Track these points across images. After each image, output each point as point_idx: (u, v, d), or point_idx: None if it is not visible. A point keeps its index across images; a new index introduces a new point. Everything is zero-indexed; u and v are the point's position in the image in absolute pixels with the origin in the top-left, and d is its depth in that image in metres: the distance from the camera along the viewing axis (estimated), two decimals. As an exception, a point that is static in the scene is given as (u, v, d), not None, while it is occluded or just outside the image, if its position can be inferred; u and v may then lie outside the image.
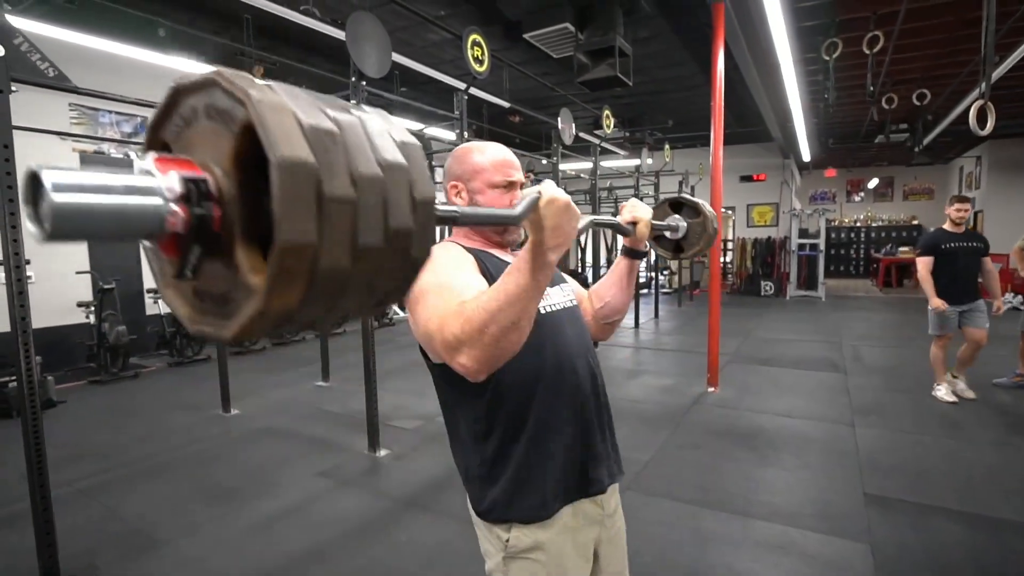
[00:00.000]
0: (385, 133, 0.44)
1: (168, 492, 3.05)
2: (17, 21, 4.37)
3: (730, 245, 13.38)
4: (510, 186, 1.13)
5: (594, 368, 1.19)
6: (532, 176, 6.17)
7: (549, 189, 0.82)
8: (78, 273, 5.78)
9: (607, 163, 12.17)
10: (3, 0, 1.89)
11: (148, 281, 6.69)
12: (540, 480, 1.07)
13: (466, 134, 4.33)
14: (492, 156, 1.13)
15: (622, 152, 11.22)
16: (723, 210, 13.51)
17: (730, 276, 13.32)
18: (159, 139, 0.45)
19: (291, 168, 0.36)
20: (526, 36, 5.88)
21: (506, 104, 7.04)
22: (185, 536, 2.59)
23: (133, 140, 6.52)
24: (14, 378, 4.64)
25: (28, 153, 5.60)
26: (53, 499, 3.00)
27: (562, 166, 10.57)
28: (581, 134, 9.30)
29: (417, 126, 5.47)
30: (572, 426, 1.10)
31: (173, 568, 2.35)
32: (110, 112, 6.44)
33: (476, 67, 4.13)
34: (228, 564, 2.39)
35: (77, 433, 4.10)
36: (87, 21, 5.02)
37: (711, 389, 4.83)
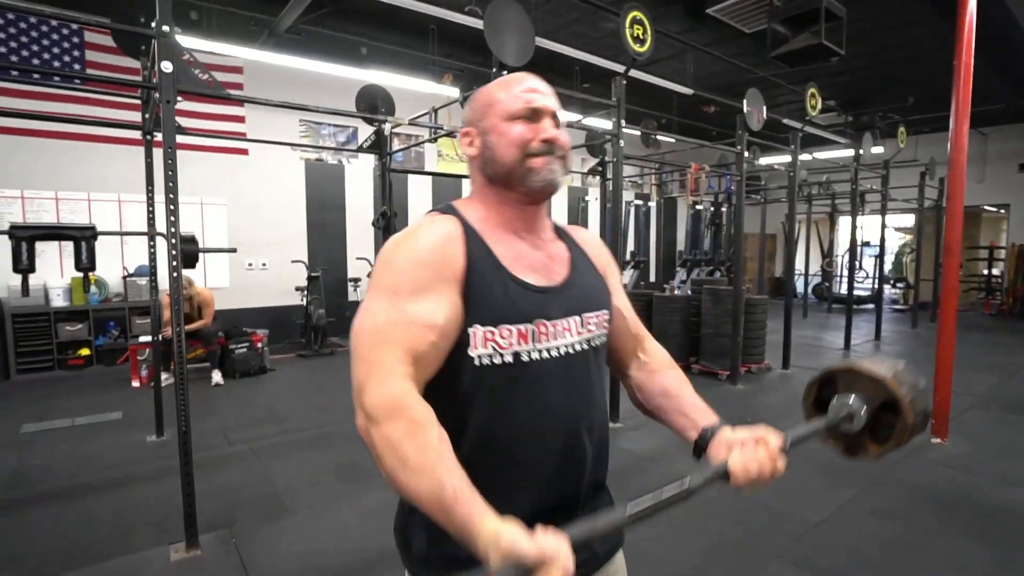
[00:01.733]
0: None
1: (314, 463, 3.34)
2: (254, 53, 5.29)
3: (1000, 253, 10.39)
4: (534, 115, 0.85)
5: (583, 441, 0.85)
6: (707, 170, 5.46)
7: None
8: (293, 262, 6.84)
9: (825, 154, 10.38)
10: (169, 24, 2.18)
11: (352, 271, 7.64)
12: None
13: (623, 122, 3.97)
14: (514, 84, 0.87)
15: (843, 140, 9.45)
16: (990, 209, 10.55)
17: (998, 293, 10.34)
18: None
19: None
20: (710, 11, 5.22)
21: (688, 91, 6.39)
22: (310, 508, 2.78)
23: (346, 148, 7.52)
24: (243, 346, 5.64)
25: (271, 160, 6.86)
26: (232, 454, 3.50)
27: (765, 159, 9.34)
28: (787, 121, 8.08)
29: (575, 117, 5.22)
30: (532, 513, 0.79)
31: (289, 536, 2.52)
32: (330, 125, 7.52)
33: (636, 47, 3.73)
34: (335, 542, 2.48)
35: (273, 398, 4.81)
36: (309, 47, 5.88)
37: (936, 440, 3.67)
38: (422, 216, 0.88)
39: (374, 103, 4.67)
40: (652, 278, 11.09)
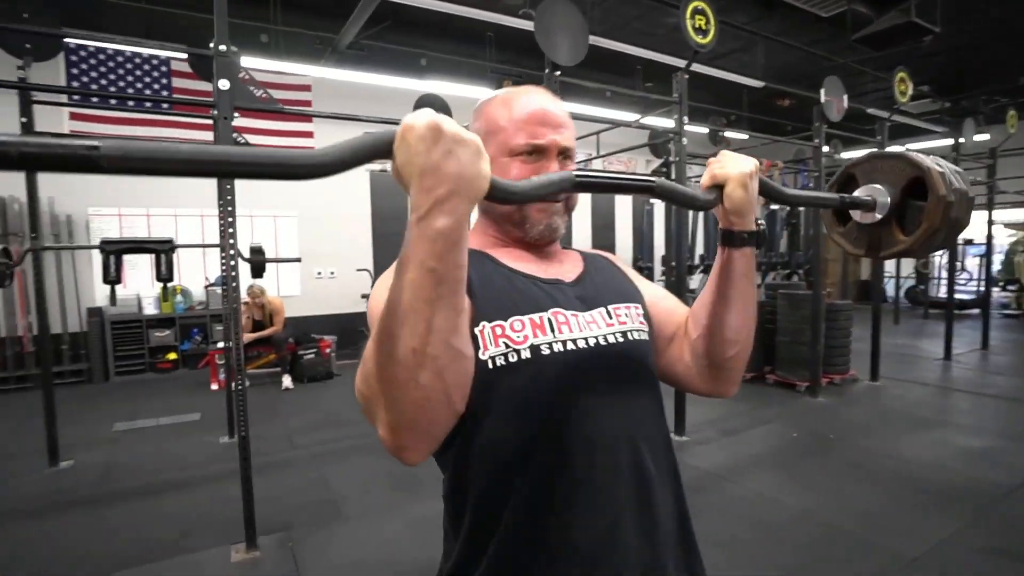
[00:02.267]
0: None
1: (368, 470, 3.37)
2: (319, 70, 5.51)
3: None
4: (537, 153, 0.74)
5: (645, 462, 0.70)
6: (780, 166, 5.10)
7: (409, 117, 0.49)
8: (358, 271, 7.04)
9: (918, 145, 9.48)
10: (227, 44, 2.26)
11: (415, 279, 7.76)
12: None
13: (686, 119, 3.77)
14: (518, 107, 0.76)
15: (939, 129, 8.59)
16: None
17: None
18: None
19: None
20: (781, -4, 4.88)
21: (759, 84, 6.01)
22: (363, 516, 2.78)
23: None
24: (311, 352, 5.85)
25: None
26: (294, 458, 3.60)
27: (848, 154, 8.65)
28: (872, 110, 7.46)
29: (635, 117, 5.02)
30: (578, 556, 0.66)
31: (341, 543, 2.53)
32: (393, 136, 7.72)
33: (698, 39, 3.53)
34: (384, 551, 2.46)
35: (337, 403, 4.94)
36: (371, 62, 6.06)
37: (1061, 467, 3.19)
38: None
39: (431, 112, 4.71)
40: (723, 282, 10.55)
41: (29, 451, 3.53)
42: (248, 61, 4.94)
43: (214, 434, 4.00)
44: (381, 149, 0.48)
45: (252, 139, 4.01)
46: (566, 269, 0.81)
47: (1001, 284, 10.58)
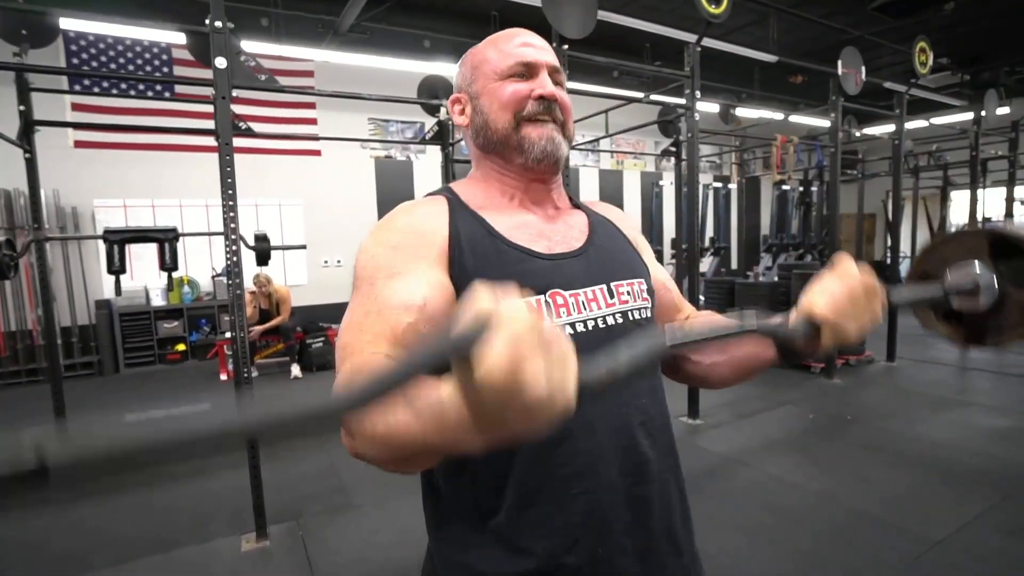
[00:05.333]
0: None
1: (380, 457, 3.33)
2: (321, 54, 5.41)
3: None
4: (529, 71, 0.74)
5: (647, 448, 0.69)
6: (796, 142, 4.95)
7: (506, 326, 0.35)
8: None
9: (937, 120, 9.22)
10: (222, 21, 2.18)
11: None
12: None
13: (698, 93, 3.65)
14: (503, 39, 0.77)
15: (958, 103, 8.35)
16: None
17: None
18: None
19: None
20: (796, -34, 4.71)
21: (772, 58, 5.82)
22: (372, 505, 2.75)
23: (411, 141, 7.57)
24: (319, 340, 5.82)
25: (343, 160, 7.04)
26: (304, 448, 3.58)
27: (866, 131, 8.43)
28: (889, 84, 7.25)
29: (636, 95, 4.90)
30: (569, 529, 0.65)
31: (352, 532, 2.50)
32: (397, 122, 7.62)
33: (711, 8, 3.40)
34: (396, 540, 2.42)
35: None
36: (374, 45, 5.94)
37: (1090, 446, 3.10)
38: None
39: (435, 93, 4.61)
40: (733, 266, 10.44)
41: (40, 442, 3.52)
42: (249, 45, 4.86)
43: (224, 423, 3.97)
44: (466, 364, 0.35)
45: (255, 126, 3.93)
46: (571, 236, 0.76)
47: None
